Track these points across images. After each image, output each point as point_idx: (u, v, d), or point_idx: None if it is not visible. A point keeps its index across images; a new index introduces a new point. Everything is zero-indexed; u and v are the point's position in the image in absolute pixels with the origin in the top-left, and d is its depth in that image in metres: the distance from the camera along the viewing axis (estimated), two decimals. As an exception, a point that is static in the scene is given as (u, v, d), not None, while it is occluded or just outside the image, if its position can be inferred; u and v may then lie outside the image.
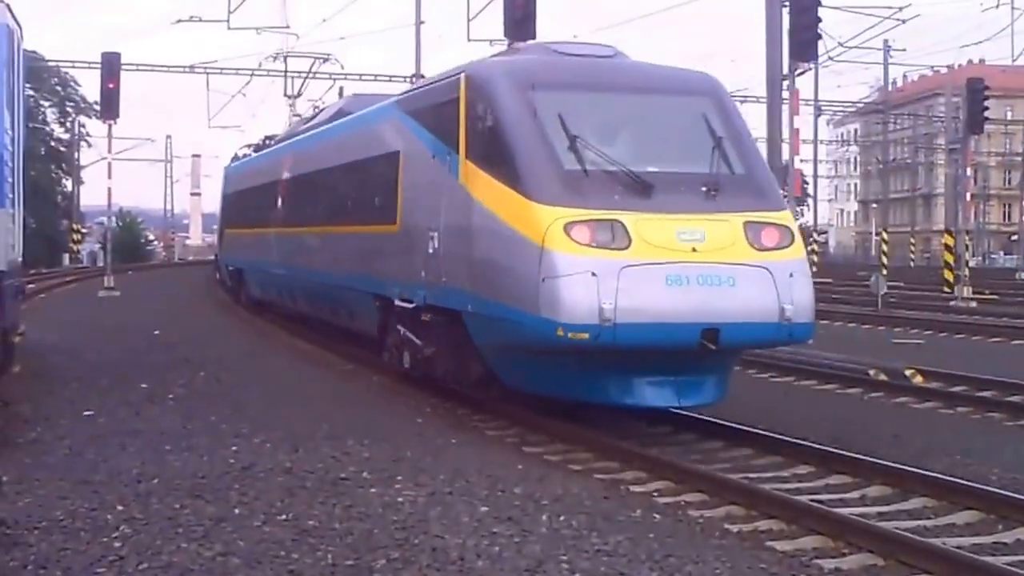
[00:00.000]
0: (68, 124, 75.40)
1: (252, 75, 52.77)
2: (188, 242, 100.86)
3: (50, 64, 60.09)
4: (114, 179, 38.77)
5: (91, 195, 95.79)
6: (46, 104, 72.53)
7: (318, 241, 19.89)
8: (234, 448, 11.46)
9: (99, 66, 37.15)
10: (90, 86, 69.70)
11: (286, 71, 40.34)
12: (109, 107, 37.15)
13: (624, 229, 10.61)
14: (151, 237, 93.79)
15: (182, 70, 53.03)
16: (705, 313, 10.47)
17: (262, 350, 22.07)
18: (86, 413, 13.60)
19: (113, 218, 48.63)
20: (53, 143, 74.93)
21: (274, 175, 24.60)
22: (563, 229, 10.53)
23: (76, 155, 74.33)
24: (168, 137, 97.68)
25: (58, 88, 73.15)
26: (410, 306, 13.98)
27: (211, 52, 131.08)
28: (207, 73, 52.43)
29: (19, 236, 14.15)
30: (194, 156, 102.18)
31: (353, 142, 17.62)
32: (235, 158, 34.79)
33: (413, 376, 15.06)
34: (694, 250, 10.67)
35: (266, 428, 12.63)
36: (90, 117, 72.25)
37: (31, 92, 59.30)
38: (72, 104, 75.03)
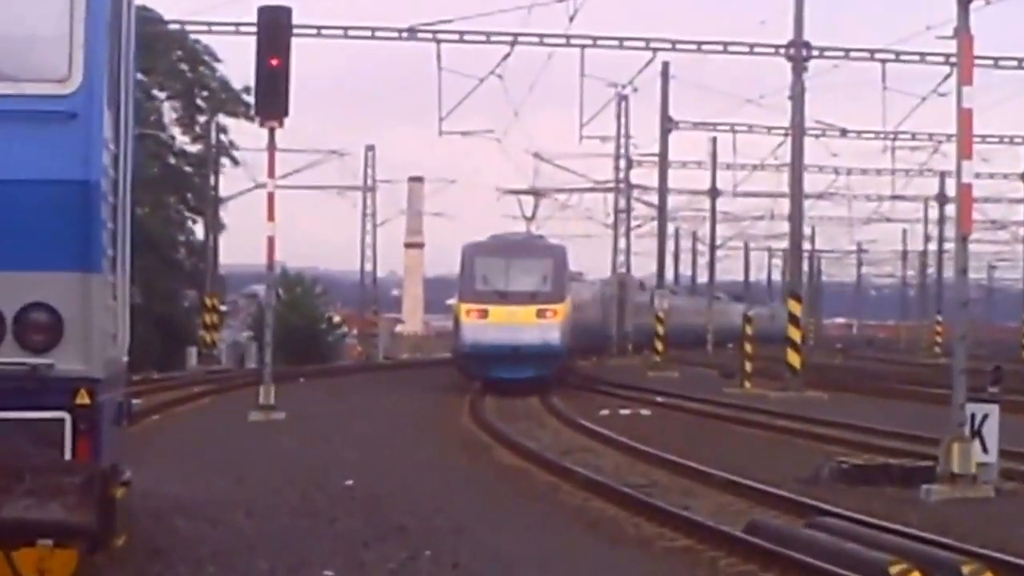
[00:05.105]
0: (200, 128, 77.24)
1: (515, 40, 52.96)
2: (399, 328, 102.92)
3: (172, 28, 61.39)
4: (279, 220, 39.48)
5: (236, 247, 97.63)
6: (164, 95, 74.48)
7: None
8: None
9: (254, 30, 38.16)
10: (236, 62, 70.72)
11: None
12: (272, 99, 37.05)
13: (486, 312, 66.25)
14: (338, 319, 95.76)
15: (395, 35, 53.47)
16: (512, 340, 64.39)
17: (532, 517, 22.41)
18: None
19: (274, 287, 49.67)
20: (175, 159, 76.54)
21: None
22: (465, 312, 66.89)
23: (214, 179, 76.41)
24: (369, 149, 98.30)
25: (183, 68, 75.16)
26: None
27: (438, 8, 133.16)
28: (436, 39, 52.73)
29: (124, 320, 14.53)
30: (411, 180, 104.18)
31: None
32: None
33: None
34: (513, 318, 65.87)
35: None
36: (238, 117, 74.41)
37: (141, 76, 60.86)
38: (207, 94, 77.02)
